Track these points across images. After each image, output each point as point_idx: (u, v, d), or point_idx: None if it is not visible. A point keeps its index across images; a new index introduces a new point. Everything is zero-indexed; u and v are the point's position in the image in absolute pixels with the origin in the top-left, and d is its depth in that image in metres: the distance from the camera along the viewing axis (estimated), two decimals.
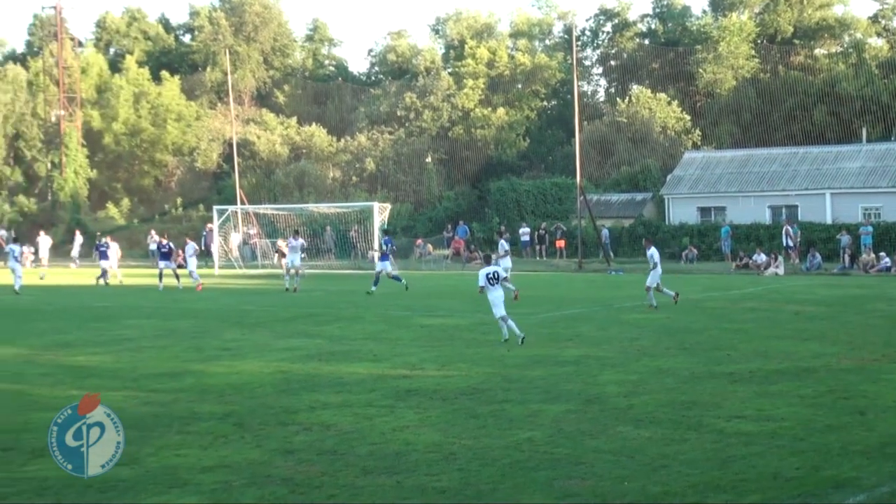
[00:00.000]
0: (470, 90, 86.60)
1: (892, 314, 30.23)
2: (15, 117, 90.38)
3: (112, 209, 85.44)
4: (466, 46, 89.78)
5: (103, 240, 51.70)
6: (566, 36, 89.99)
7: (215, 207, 63.92)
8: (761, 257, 52.48)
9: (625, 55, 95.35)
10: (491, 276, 24.30)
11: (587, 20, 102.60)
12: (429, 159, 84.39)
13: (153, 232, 68.51)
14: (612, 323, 27.99)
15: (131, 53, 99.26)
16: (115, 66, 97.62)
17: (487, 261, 26.11)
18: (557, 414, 15.27)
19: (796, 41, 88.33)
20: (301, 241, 45.62)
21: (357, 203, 68.25)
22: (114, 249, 52.38)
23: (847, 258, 53.01)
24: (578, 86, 69.16)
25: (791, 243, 55.24)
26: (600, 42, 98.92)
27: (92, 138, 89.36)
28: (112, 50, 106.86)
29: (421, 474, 11.95)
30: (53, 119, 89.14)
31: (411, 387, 17.74)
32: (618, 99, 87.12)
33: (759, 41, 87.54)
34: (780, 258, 52.02)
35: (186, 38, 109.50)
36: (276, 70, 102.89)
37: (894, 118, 77.15)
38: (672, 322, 28.07)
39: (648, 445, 13.26)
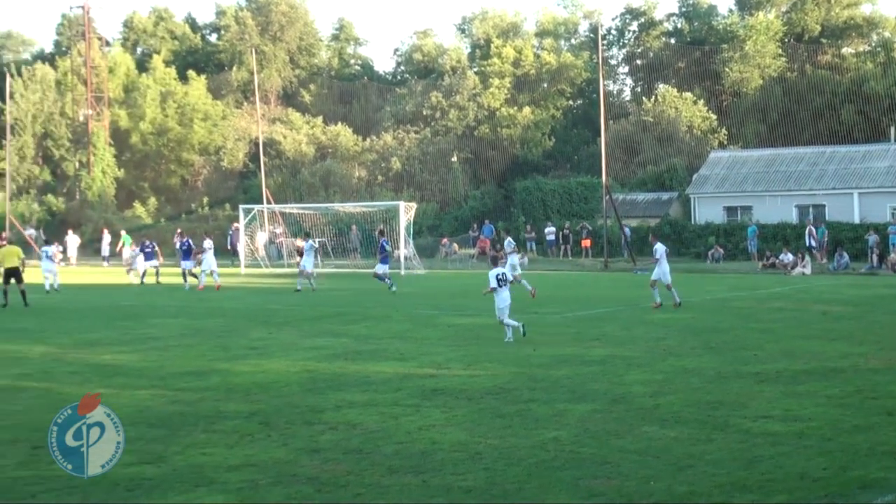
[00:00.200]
0: (496, 89, 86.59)
1: None
2: (44, 117, 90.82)
3: (139, 208, 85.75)
4: (492, 46, 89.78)
5: (148, 241, 51.08)
6: (592, 35, 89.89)
7: (241, 207, 64.09)
8: (788, 257, 52.27)
9: (651, 54, 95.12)
10: (500, 277, 24.36)
11: (613, 19, 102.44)
12: (454, 159, 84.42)
13: (180, 231, 68.69)
14: (637, 322, 27.92)
15: (158, 53, 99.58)
16: (142, 65, 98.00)
17: (495, 262, 26.15)
18: (583, 413, 15.25)
19: (824, 40, 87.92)
20: (311, 241, 45.62)
21: (383, 202, 68.31)
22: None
23: (875, 258, 52.77)
24: (604, 85, 69.04)
25: (814, 243, 55.02)
26: (626, 41, 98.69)
27: (119, 138, 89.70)
28: (139, 49, 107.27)
29: (447, 473, 11.95)
30: (81, 118, 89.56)
31: (437, 386, 17.75)
32: (644, 98, 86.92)
33: (786, 40, 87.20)
34: (808, 258, 51.83)
35: (213, 38, 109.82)
36: (302, 69, 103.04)
37: None
38: (698, 322, 27.99)
39: (674, 445, 13.23)
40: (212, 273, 44.39)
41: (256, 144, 78.20)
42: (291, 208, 68.38)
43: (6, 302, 35.02)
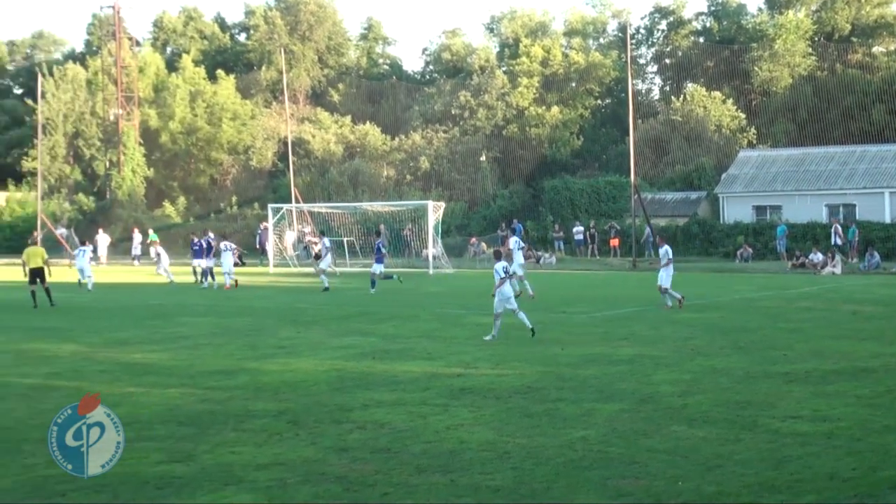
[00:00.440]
0: (524, 89, 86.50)
1: None
2: (74, 116, 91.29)
3: (168, 207, 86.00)
4: (521, 45, 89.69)
5: (197, 238, 49.51)
6: (621, 34, 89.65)
7: (270, 206, 64.24)
8: (818, 256, 52.06)
9: (679, 53, 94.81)
10: (506, 270, 24.66)
11: (642, 18, 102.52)
12: (483, 158, 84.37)
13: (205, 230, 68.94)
14: (665, 322, 27.87)
15: (187, 52, 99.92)
16: (171, 65, 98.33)
17: (497, 256, 26.11)
18: (611, 413, 15.24)
19: (854, 39, 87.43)
20: (325, 240, 45.70)
21: (411, 202, 68.37)
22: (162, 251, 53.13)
23: None
24: (633, 84, 68.92)
25: (840, 242, 54.76)
26: (655, 40, 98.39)
27: (149, 137, 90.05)
28: (169, 49, 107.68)
29: (475, 473, 11.96)
30: (112, 118, 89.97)
31: (465, 385, 17.76)
32: (672, 97, 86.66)
33: (815, 39, 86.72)
34: (838, 257, 51.59)
35: (242, 38, 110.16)
36: (330, 69, 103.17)
37: None
38: (726, 321, 27.93)
39: (703, 445, 13.21)
40: (225, 274, 44.68)
41: (285, 144, 78.36)
42: (320, 207, 68.51)
43: (35, 303, 35.17)
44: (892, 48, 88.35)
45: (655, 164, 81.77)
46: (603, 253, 65.29)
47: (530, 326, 24.36)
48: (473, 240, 67.20)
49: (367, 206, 68.45)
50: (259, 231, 66.28)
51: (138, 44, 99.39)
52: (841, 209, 63.69)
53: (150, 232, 69.01)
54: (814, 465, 12.19)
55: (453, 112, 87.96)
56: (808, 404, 15.77)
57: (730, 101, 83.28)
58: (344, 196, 78.51)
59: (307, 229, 66.25)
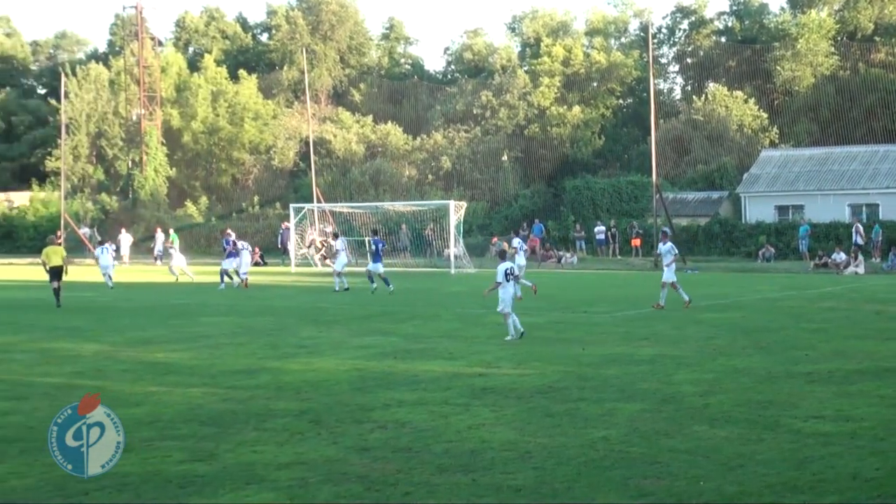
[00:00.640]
0: (546, 88, 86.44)
1: None
2: (97, 116, 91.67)
3: (190, 207, 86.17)
4: (542, 44, 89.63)
5: (230, 239, 48.02)
6: (642, 34, 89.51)
7: (292, 206, 64.37)
8: (840, 256, 51.88)
9: (701, 53, 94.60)
10: (509, 272, 24.69)
11: (663, 18, 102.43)
12: (504, 157, 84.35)
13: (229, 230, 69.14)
14: (687, 322, 27.81)
15: (209, 52, 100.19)
16: (193, 65, 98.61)
17: (503, 257, 26.19)
18: (633, 413, 15.22)
19: (877, 38, 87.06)
20: (342, 240, 45.73)
21: (433, 201, 68.41)
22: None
23: None
24: (654, 84, 68.77)
25: (861, 241, 54.56)
26: (676, 40, 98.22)
27: (171, 137, 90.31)
28: (191, 49, 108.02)
29: (496, 472, 11.96)
30: (134, 118, 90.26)
31: (487, 385, 17.76)
32: (694, 97, 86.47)
33: (838, 38, 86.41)
34: (861, 257, 51.41)
35: (264, 37, 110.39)
36: (352, 69, 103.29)
37: None
38: (748, 321, 27.86)
39: (724, 445, 13.18)
40: (242, 274, 44.87)
41: (307, 143, 78.48)
42: (341, 207, 68.59)
43: (59, 303, 35.31)
44: None
45: (677, 163, 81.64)
46: (624, 253, 65.19)
47: (514, 335, 24.21)
48: (495, 239, 67.17)
49: (388, 205, 68.49)
50: (281, 231, 66.41)
51: (160, 44, 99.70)
52: (864, 209, 63.48)
53: (171, 232, 69.28)
54: (836, 466, 12.15)
55: (475, 112, 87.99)
56: (830, 404, 15.72)
57: (752, 101, 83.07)
58: (365, 196, 78.60)
59: (329, 229, 66.36)
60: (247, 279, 44.99)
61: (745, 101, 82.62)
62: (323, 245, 58.93)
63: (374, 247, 42.37)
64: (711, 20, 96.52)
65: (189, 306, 35.38)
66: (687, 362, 20.21)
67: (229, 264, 44.89)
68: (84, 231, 75.98)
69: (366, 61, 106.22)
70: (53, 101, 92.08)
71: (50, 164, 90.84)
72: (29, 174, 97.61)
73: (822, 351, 21.66)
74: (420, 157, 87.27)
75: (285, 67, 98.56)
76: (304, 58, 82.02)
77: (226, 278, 44.37)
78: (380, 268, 41.16)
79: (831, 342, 23.07)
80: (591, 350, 22.09)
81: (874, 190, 64.54)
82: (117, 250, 67.40)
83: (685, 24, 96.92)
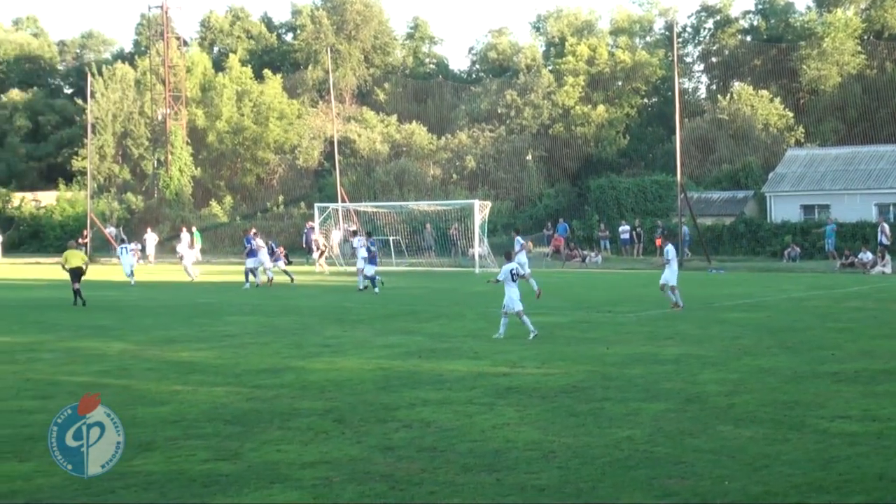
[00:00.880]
0: (570, 88, 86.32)
1: None
2: (123, 116, 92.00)
3: (215, 207, 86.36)
4: (567, 44, 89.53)
5: (253, 238, 47.23)
6: (667, 33, 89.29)
7: (316, 205, 64.46)
8: (867, 256, 51.62)
9: (726, 52, 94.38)
10: (514, 272, 24.89)
11: (688, 17, 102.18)
12: (529, 157, 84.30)
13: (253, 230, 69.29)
14: (712, 322, 27.73)
15: (234, 52, 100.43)
16: (218, 64, 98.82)
17: (508, 257, 26.46)
18: (657, 413, 15.19)
19: None
20: (360, 238, 45.73)
21: (457, 201, 68.40)
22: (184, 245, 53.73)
23: None
24: (679, 83, 68.57)
25: (886, 241, 54.28)
26: (702, 39, 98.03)
27: (196, 136, 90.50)
28: (216, 49, 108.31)
29: (521, 472, 11.96)
30: (159, 117, 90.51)
31: (511, 384, 17.75)
32: (719, 96, 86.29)
33: (865, 37, 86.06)
34: (888, 256, 51.15)
35: (289, 37, 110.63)
36: (376, 68, 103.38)
37: None
38: (774, 321, 27.76)
39: (749, 445, 13.14)
40: (266, 270, 45.02)
41: (331, 143, 78.58)
42: (366, 207, 68.65)
43: (84, 301, 35.53)
44: None
45: (702, 163, 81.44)
46: (648, 252, 65.01)
47: (502, 334, 24.37)
48: (517, 237, 67.08)
49: (413, 205, 68.51)
50: (305, 230, 66.50)
51: (186, 43, 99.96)
52: (891, 208, 63.15)
53: (194, 230, 69.63)
54: (863, 466, 12.10)
55: (499, 111, 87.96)
56: (857, 404, 15.65)
57: (777, 100, 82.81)
58: (390, 195, 78.66)
59: (353, 228, 66.46)
60: (272, 277, 45.13)
61: (771, 101, 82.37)
62: (325, 246, 58.93)
63: (367, 248, 42.57)
64: (737, 19, 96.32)
65: (213, 305, 35.48)
66: (712, 362, 20.16)
67: (253, 263, 44.96)
68: (110, 230, 76.25)
69: (390, 61, 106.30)
70: (80, 101, 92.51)
71: (76, 164, 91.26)
72: (56, 174, 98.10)
73: (849, 351, 21.57)
74: (444, 156, 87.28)
75: (310, 67, 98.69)
76: (329, 57, 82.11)
77: (250, 277, 44.45)
78: (370, 269, 41.39)
79: (858, 342, 22.97)
80: (615, 350, 22.05)
81: None
82: (143, 250, 67.81)
83: (710, 23, 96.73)
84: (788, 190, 67.98)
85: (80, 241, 72.43)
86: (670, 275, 31.43)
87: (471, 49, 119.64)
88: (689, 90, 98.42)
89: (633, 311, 30.73)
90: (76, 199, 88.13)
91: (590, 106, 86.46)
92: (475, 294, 38.60)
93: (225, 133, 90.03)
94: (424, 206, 68.04)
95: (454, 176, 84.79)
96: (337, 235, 64.84)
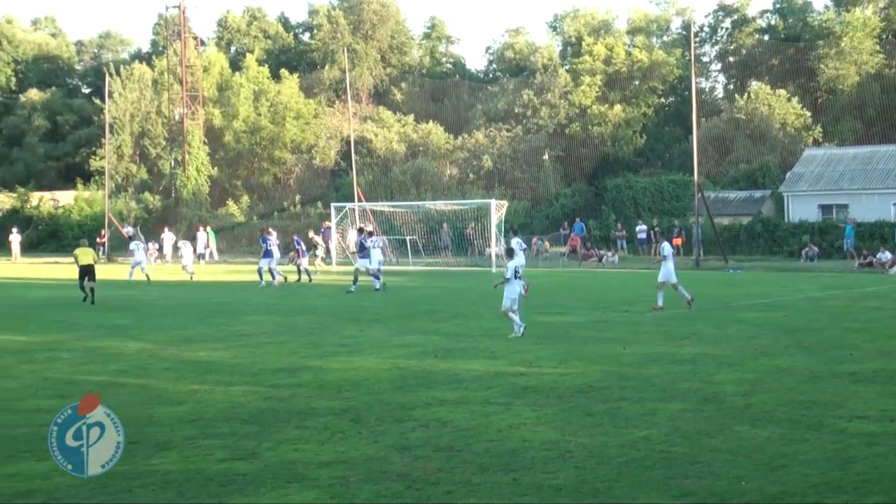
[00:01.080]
0: (587, 87, 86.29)
1: None
2: (141, 115, 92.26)
3: (232, 206, 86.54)
4: (584, 43, 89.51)
5: (268, 237, 47.42)
6: (684, 32, 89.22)
7: (333, 205, 64.53)
8: (886, 255, 51.47)
9: (744, 51, 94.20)
10: (518, 270, 25.13)
11: (706, 16, 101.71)
12: (546, 157, 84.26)
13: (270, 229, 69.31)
14: (729, 321, 27.68)
15: (251, 52, 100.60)
16: (235, 64, 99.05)
17: (510, 255, 26.63)
18: (674, 412, 15.17)
19: None
20: (374, 238, 45.71)
21: (474, 200, 68.42)
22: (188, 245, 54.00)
23: None
24: (696, 82, 68.45)
25: None
26: (719, 38, 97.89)
27: (213, 136, 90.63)
28: (233, 48, 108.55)
29: (537, 472, 11.95)
30: (177, 117, 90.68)
31: (528, 384, 17.74)
32: (736, 95, 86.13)
33: (883, 36, 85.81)
34: None
35: (305, 37, 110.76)
36: (393, 68, 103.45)
37: None
38: (791, 321, 27.69)
39: (766, 445, 13.11)
40: (271, 270, 45.24)
41: (348, 143, 78.61)
42: (383, 206, 68.69)
43: (87, 299, 36.01)
44: None
45: (719, 162, 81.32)
46: None
47: (521, 332, 24.44)
48: (535, 240, 67.12)
49: (429, 204, 68.55)
50: (322, 230, 66.56)
51: (203, 43, 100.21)
52: None
53: (208, 229, 69.87)
54: (881, 466, 12.07)
55: (516, 111, 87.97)
56: (875, 404, 15.61)
57: (795, 100, 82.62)
58: (406, 195, 78.71)
59: (369, 228, 66.50)
60: (281, 277, 45.18)
61: (789, 100, 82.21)
62: (320, 245, 58.91)
63: (357, 247, 42.73)
64: (754, 18, 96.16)
65: (230, 305, 35.54)
66: (729, 362, 20.11)
67: (266, 263, 45.00)
68: (128, 230, 76.41)
69: (407, 60, 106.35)
70: (98, 101, 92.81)
71: (94, 164, 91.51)
72: (74, 173, 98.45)
73: (867, 350, 21.51)
74: (461, 156, 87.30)
75: (327, 67, 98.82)
76: (346, 57, 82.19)
77: (266, 276, 44.51)
78: (363, 264, 41.83)
79: (876, 342, 22.90)
80: (632, 349, 22.02)
81: None
82: (160, 249, 68.02)
83: (728, 23, 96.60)
84: (806, 189, 67.80)
85: (98, 240, 73.21)
86: (667, 272, 31.34)
87: (488, 48, 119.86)
88: (706, 90, 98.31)
89: (650, 311, 30.66)
90: (94, 198, 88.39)
91: (607, 105, 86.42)
92: (492, 294, 38.50)
93: (242, 133, 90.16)
94: (441, 205, 68.09)
95: (471, 175, 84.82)
96: (353, 235, 64.86)
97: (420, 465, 12.35)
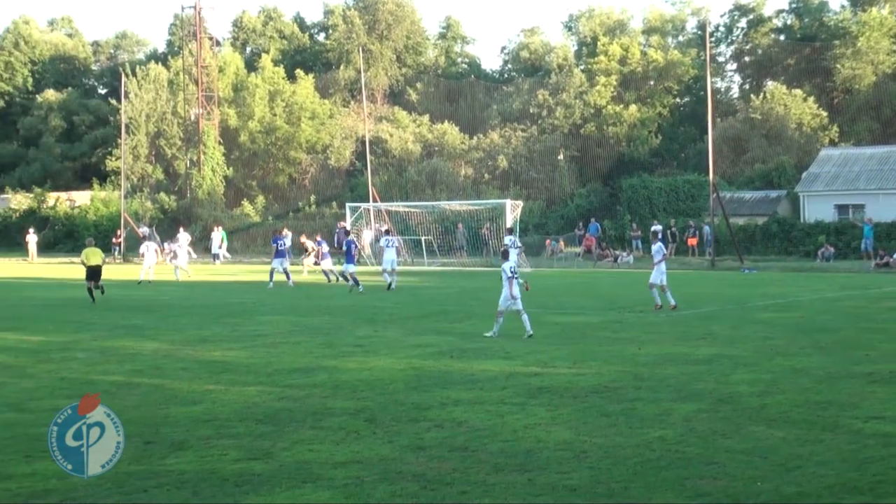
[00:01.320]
0: (602, 87, 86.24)
1: None
2: (156, 116, 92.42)
3: (247, 206, 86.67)
4: (599, 43, 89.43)
5: (278, 235, 48.33)
6: (700, 32, 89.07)
7: (348, 205, 64.62)
8: None
9: (759, 51, 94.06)
10: (514, 269, 25.12)
11: (721, 16, 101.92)
12: (561, 157, 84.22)
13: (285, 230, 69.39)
14: (744, 322, 27.62)
15: (267, 52, 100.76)
16: (251, 64, 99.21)
17: (506, 256, 26.80)
18: (689, 413, 15.15)
19: None
20: (388, 238, 45.67)
21: (489, 201, 68.40)
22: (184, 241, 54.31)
23: None
24: (712, 82, 68.32)
25: None
26: (734, 38, 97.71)
27: (228, 136, 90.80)
28: (248, 49, 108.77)
29: (552, 472, 11.95)
30: (192, 117, 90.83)
31: (543, 384, 17.73)
32: (752, 95, 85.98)
33: None
34: None
35: (321, 37, 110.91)
36: (408, 68, 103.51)
37: None
38: (807, 321, 27.63)
39: (782, 446, 13.09)
40: (280, 270, 45.36)
41: (363, 143, 78.70)
42: (397, 206, 68.72)
43: (93, 299, 36.43)
44: None
45: (734, 162, 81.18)
46: (680, 252, 64.80)
47: (530, 332, 24.54)
48: (548, 242, 67.07)
49: (444, 204, 68.57)
50: (337, 230, 66.58)
51: (218, 44, 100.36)
52: None
53: (220, 229, 70.04)
54: None
55: (531, 111, 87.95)
56: (891, 405, 15.57)
57: (811, 99, 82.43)
58: (421, 195, 78.73)
59: (384, 228, 66.55)
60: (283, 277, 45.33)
61: (804, 100, 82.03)
62: (312, 249, 58.87)
63: (346, 247, 42.82)
64: (770, 18, 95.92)
65: (246, 305, 35.59)
66: (744, 362, 20.08)
67: (278, 263, 45.00)
68: (143, 230, 76.57)
69: (422, 60, 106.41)
70: (114, 101, 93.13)
71: (110, 164, 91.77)
72: (90, 173, 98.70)
73: (883, 351, 21.46)
74: (476, 156, 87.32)
75: (342, 67, 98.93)
76: (361, 57, 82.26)
77: (279, 276, 44.57)
78: (349, 268, 41.88)
79: (892, 342, 22.85)
80: (647, 350, 22.00)
81: None
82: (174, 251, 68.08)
83: (743, 23, 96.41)
84: (822, 189, 67.62)
85: (114, 240, 73.43)
86: (657, 274, 31.19)
87: (503, 49, 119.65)
88: (722, 90, 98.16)
89: (665, 311, 30.62)
90: (110, 198, 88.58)
91: (622, 105, 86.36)
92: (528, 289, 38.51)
93: (257, 133, 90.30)
94: (456, 205, 68.10)
95: (486, 176, 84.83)
96: (368, 235, 64.95)
97: (435, 465, 12.36)
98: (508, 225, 56.24)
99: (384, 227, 62.68)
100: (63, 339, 25.74)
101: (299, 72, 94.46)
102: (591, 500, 10.96)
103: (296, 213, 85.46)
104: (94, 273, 37.32)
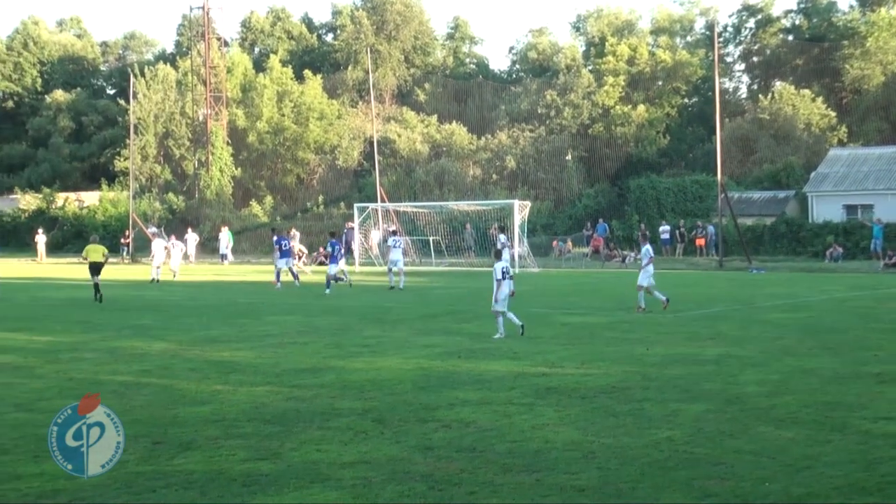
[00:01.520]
0: (610, 87, 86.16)
1: None
2: (165, 116, 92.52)
3: (255, 207, 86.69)
4: (607, 44, 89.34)
5: (282, 236, 48.51)
6: (708, 32, 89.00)
7: (356, 205, 64.57)
8: None
9: (768, 51, 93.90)
10: (505, 270, 25.43)
11: (730, 16, 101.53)
12: (569, 157, 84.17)
13: (293, 230, 69.47)
14: (753, 322, 27.59)
15: (275, 53, 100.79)
16: (259, 65, 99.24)
17: (498, 256, 26.87)
18: (697, 413, 15.14)
19: None
20: (396, 238, 45.69)
21: (497, 201, 68.35)
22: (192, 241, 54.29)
23: None
24: (720, 83, 68.26)
25: None
26: (743, 38, 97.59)
27: (236, 137, 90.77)
28: (256, 49, 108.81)
29: (560, 472, 11.95)
30: (200, 118, 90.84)
31: (550, 384, 17.73)
32: (760, 96, 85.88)
33: None
34: None
35: (329, 38, 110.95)
36: (416, 68, 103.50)
37: None
38: (815, 321, 27.59)
39: (790, 446, 13.07)
40: (289, 270, 45.50)
41: (371, 143, 78.67)
42: (406, 207, 68.72)
43: (97, 297, 36.76)
44: None
45: (743, 162, 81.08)
46: (688, 252, 64.76)
47: (520, 323, 24.95)
48: (555, 243, 67.03)
49: (452, 205, 68.54)
50: (345, 230, 66.64)
51: (227, 44, 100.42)
52: None
53: (227, 230, 70.15)
54: None
55: (539, 111, 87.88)
56: None
57: (819, 100, 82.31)
58: (429, 195, 78.70)
59: (392, 228, 66.58)
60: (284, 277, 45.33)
61: (813, 100, 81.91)
62: (301, 252, 58.90)
63: (330, 248, 42.90)
64: (778, 18, 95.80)
65: (254, 305, 35.61)
66: (752, 363, 20.06)
67: (283, 263, 45.02)
68: (152, 230, 76.67)
69: (430, 61, 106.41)
70: (122, 102, 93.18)
71: (119, 164, 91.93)
72: (98, 174, 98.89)
73: (892, 351, 21.43)
74: (484, 156, 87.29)
75: (350, 67, 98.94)
76: (369, 58, 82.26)
77: (286, 276, 44.62)
78: (333, 269, 42.01)
79: None
80: (655, 350, 21.99)
81: None
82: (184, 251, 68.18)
83: (751, 23, 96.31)
84: (831, 190, 67.52)
85: (122, 240, 73.55)
86: (644, 276, 31.01)
87: (511, 49, 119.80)
88: (730, 90, 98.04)
89: (673, 312, 30.60)
90: (118, 199, 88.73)
91: (630, 106, 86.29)
92: (515, 294, 38.51)
93: (265, 133, 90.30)
94: (464, 206, 68.06)
95: (494, 176, 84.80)
96: (376, 235, 64.97)
97: (443, 465, 12.36)
98: (516, 225, 56.27)
99: (392, 228, 62.81)
100: (71, 339, 25.79)
101: (307, 72, 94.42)
102: (600, 500, 10.95)
103: (304, 214, 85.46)
104: (94, 269, 37.83)
